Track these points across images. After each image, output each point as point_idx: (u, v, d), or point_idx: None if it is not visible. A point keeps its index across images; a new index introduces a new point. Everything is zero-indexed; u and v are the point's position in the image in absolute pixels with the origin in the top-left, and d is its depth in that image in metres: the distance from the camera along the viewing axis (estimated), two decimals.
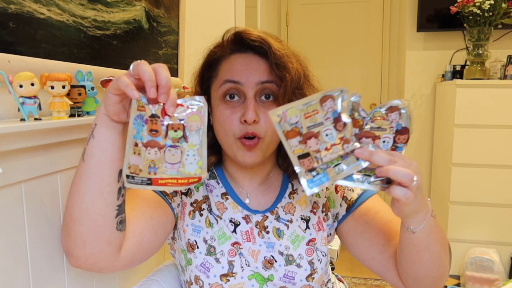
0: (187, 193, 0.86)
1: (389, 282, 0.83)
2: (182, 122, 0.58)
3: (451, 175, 2.23)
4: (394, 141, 0.63)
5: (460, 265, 2.27)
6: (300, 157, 0.61)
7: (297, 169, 0.61)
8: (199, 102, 0.59)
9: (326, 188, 0.89)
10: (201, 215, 0.85)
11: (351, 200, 0.87)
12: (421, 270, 0.74)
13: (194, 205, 0.85)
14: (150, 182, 0.57)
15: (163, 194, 0.81)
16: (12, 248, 0.63)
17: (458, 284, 2.23)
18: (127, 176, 0.57)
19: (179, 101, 0.59)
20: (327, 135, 0.61)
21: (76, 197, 0.62)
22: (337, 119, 0.61)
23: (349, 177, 0.61)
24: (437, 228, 0.70)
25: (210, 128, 0.84)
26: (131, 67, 0.57)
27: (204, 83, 0.84)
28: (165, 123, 0.58)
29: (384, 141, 0.62)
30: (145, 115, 0.57)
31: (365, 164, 0.61)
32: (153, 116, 0.57)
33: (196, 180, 0.58)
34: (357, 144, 0.61)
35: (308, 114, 0.60)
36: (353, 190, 0.88)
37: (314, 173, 0.61)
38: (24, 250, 0.66)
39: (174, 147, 0.58)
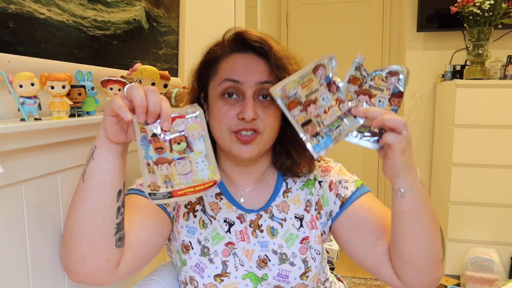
0: None
1: (383, 279, 0.82)
2: (183, 133, 0.60)
3: (451, 175, 2.23)
4: (389, 103, 0.67)
5: (460, 265, 2.27)
6: (304, 124, 0.65)
7: (302, 136, 0.65)
8: (195, 110, 0.61)
9: (320, 186, 0.88)
10: (195, 216, 0.85)
11: (345, 197, 0.86)
12: (414, 249, 0.73)
13: (188, 206, 0.86)
14: (171, 195, 0.60)
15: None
16: (12, 248, 0.63)
17: (458, 284, 2.23)
18: (150, 194, 0.60)
19: (174, 114, 0.60)
20: (323, 99, 0.66)
21: (75, 216, 0.64)
22: (329, 83, 0.67)
23: (347, 136, 0.67)
24: (426, 196, 0.72)
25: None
26: (125, 89, 0.59)
27: (202, 80, 0.85)
28: (167, 138, 0.60)
29: (379, 101, 0.67)
30: (147, 136, 0.60)
31: (362, 121, 0.66)
32: (154, 135, 0.59)
33: (212, 184, 0.61)
34: (352, 103, 0.67)
35: (304, 84, 0.65)
36: (347, 188, 0.87)
37: (318, 137, 0.66)
38: (24, 250, 0.66)
39: (182, 159, 0.60)
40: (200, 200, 0.86)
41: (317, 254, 0.86)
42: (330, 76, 0.67)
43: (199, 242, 0.83)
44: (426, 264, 0.74)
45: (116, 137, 0.61)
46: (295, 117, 0.65)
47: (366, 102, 0.67)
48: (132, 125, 0.61)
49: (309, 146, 0.65)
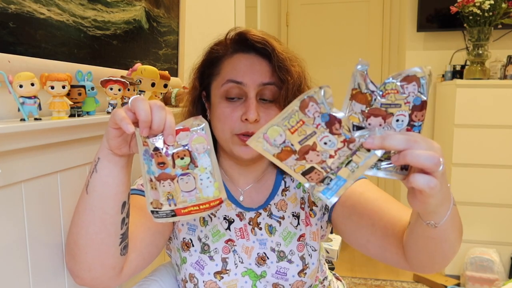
0: None
1: (390, 263, 0.77)
2: (187, 147, 0.57)
3: (451, 175, 2.23)
4: (410, 119, 0.51)
5: (460, 265, 2.27)
6: (305, 173, 0.53)
7: (306, 185, 0.53)
8: (200, 122, 0.58)
9: None
10: None
11: None
12: (436, 258, 0.68)
13: None
14: (174, 213, 0.57)
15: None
16: (12, 248, 0.63)
17: (458, 284, 2.23)
18: (152, 212, 0.57)
19: (178, 127, 0.57)
20: (325, 143, 0.52)
21: (80, 226, 0.64)
22: (329, 122, 0.51)
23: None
24: (457, 217, 0.62)
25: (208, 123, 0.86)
26: (129, 101, 0.57)
27: (205, 79, 0.85)
28: (170, 152, 0.56)
29: (398, 120, 0.52)
30: (149, 150, 0.56)
31: (380, 153, 0.51)
32: (156, 149, 0.56)
33: (218, 203, 0.57)
34: (364, 139, 0.51)
35: (293, 128, 0.51)
36: None
37: (327, 181, 0.53)
38: (24, 250, 0.66)
39: (186, 175, 0.56)
40: None
41: (313, 250, 0.86)
42: (328, 112, 0.51)
43: (200, 239, 0.83)
44: (443, 261, 0.69)
45: (119, 149, 0.60)
46: (292, 167, 0.53)
47: (380, 125, 0.52)
48: (135, 138, 0.58)
49: (318, 194, 0.53)
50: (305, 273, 0.84)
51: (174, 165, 0.56)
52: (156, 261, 1.11)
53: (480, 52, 2.23)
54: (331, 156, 0.52)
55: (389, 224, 0.75)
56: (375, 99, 0.51)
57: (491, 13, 2.13)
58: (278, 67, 0.76)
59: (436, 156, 0.48)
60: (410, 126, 0.52)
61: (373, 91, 0.52)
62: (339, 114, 0.52)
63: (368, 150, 0.51)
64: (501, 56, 2.29)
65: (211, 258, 0.82)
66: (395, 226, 0.74)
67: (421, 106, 0.51)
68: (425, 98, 0.51)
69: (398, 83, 0.51)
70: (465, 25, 2.26)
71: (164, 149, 0.56)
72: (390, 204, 0.79)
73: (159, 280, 0.92)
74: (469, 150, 2.20)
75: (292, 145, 0.52)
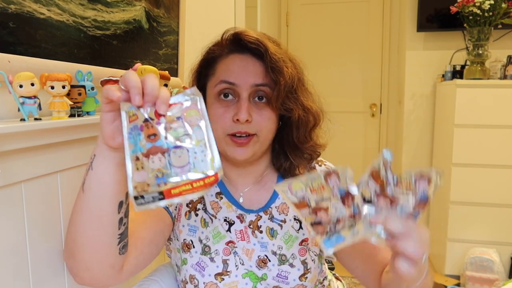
0: None
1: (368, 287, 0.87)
2: (180, 119, 0.52)
3: (451, 175, 2.23)
4: (413, 207, 0.58)
5: (460, 265, 2.27)
6: (313, 223, 0.59)
7: (312, 233, 0.59)
8: (191, 94, 0.54)
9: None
10: (196, 215, 0.85)
11: None
12: None
13: (190, 205, 0.86)
14: (162, 196, 0.50)
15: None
16: (12, 248, 0.63)
17: (458, 284, 2.23)
18: (136, 198, 0.50)
19: (171, 101, 0.54)
20: (336, 209, 0.59)
21: (78, 225, 0.63)
22: (344, 196, 0.59)
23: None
24: (430, 281, 0.68)
25: None
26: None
27: (201, 80, 0.86)
28: (162, 124, 0.52)
29: (402, 207, 0.59)
30: (138, 123, 0.52)
31: (383, 235, 0.58)
32: (146, 120, 0.51)
33: (213, 179, 0.51)
34: (369, 216, 0.59)
35: (313, 189, 0.59)
36: None
37: (329, 234, 0.59)
38: (24, 250, 0.66)
39: (179, 148, 0.51)
40: (201, 199, 0.87)
41: (315, 255, 0.87)
42: (345, 189, 0.59)
43: (200, 240, 0.83)
44: None
45: (113, 139, 0.57)
46: (304, 216, 0.60)
47: (386, 206, 0.60)
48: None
49: (319, 241, 0.58)
50: (306, 277, 0.84)
51: (166, 137, 0.51)
52: (156, 261, 1.11)
53: (480, 52, 2.23)
54: (338, 221, 0.58)
55: (379, 263, 0.82)
56: (388, 185, 0.59)
57: (491, 13, 2.13)
58: (270, 68, 0.76)
59: (421, 251, 0.56)
60: (411, 212, 0.59)
61: (388, 181, 0.59)
62: (354, 191, 0.59)
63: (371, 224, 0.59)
64: (501, 56, 2.29)
65: (212, 259, 0.82)
66: (384, 266, 0.81)
67: (424, 203, 0.58)
68: (431, 197, 0.58)
69: (413, 179, 0.58)
70: (465, 25, 2.26)
71: (156, 120, 0.51)
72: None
73: (159, 280, 0.92)
74: (469, 150, 2.20)
75: (309, 200, 0.59)
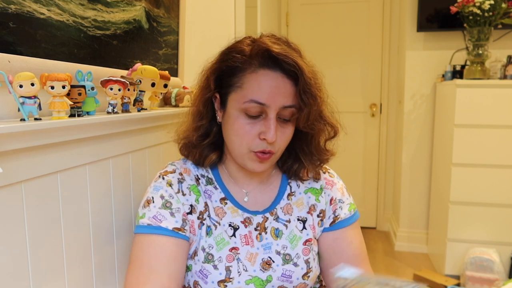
0: (191, 211, 0.84)
1: None
2: None
3: (451, 175, 2.23)
4: None
5: (460, 265, 2.27)
6: None
7: None
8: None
9: (325, 196, 0.92)
10: (202, 224, 0.85)
11: (338, 217, 0.91)
12: None
13: (200, 216, 0.85)
14: None
15: (177, 232, 0.80)
16: (12, 248, 0.63)
17: (458, 284, 2.23)
18: None
19: None
20: None
21: None
22: None
23: None
24: None
25: (216, 124, 0.86)
26: None
27: (223, 86, 0.82)
28: None
29: None
30: None
31: None
32: None
33: None
34: None
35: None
36: (341, 208, 0.91)
37: None
38: (24, 250, 0.66)
39: None
40: (206, 206, 0.86)
41: (316, 255, 0.89)
42: None
43: (203, 249, 0.83)
44: None
45: None
46: None
47: None
48: None
49: None
50: (309, 276, 0.85)
51: None
52: None
53: (480, 52, 2.23)
54: None
55: None
56: None
57: (491, 13, 2.13)
58: (303, 91, 0.76)
59: None
60: None
61: None
62: None
63: None
64: (501, 56, 2.29)
65: (215, 267, 0.82)
66: None
67: None
68: None
69: None
70: (465, 25, 2.26)
71: None
72: (361, 264, 0.90)
73: None
74: (469, 150, 2.20)
75: None
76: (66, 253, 0.76)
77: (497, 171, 2.18)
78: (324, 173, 0.95)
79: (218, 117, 0.85)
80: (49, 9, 0.76)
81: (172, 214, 0.81)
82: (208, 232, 0.84)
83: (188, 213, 0.83)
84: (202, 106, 0.84)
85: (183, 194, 0.84)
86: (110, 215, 0.90)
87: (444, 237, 2.32)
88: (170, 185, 0.84)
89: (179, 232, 0.81)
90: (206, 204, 0.86)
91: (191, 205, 0.84)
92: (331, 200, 0.92)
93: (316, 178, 0.92)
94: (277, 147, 0.80)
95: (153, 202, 0.82)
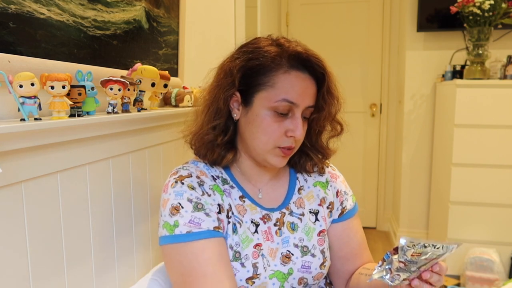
0: (220, 211, 0.83)
1: (333, 282, 0.99)
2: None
3: (451, 175, 2.23)
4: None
5: (460, 265, 2.27)
6: (397, 270, 0.72)
7: (382, 270, 0.74)
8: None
9: (331, 189, 0.97)
10: (228, 222, 0.84)
11: (345, 209, 0.97)
12: None
13: (227, 215, 0.85)
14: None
15: (217, 231, 0.80)
16: (12, 248, 0.63)
17: (458, 284, 2.23)
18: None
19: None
20: (406, 271, 0.71)
21: None
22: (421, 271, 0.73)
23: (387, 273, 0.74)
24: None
25: (232, 122, 0.86)
26: None
27: (251, 85, 0.82)
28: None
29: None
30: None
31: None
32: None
33: None
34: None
35: (415, 253, 0.69)
36: (347, 200, 0.98)
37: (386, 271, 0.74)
38: (24, 250, 0.66)
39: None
40: (229, 205, 0.86)
41: (328, 245, 0.94)
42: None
43: (231, 247, 0.83)
44: None
45: None
46: (394, 260, 0.72)
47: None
48: None
49: (378, 273, 0.74)
50: (325, 265, 0.90)
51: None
52: (156, 260, 1.11)
53: (480, 52, 2.23)
54: (398, 275, 0.73)
55: (355, 268, 0.95)
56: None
57: (491, 13, 2.13)
58: (327, 92, 0.84)
59: (442, 281, 0.73)
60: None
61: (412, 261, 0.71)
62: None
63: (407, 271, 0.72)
64: (501, 56, 2.29)
65: (242, 265, 0.82)
66: (355, 269, 0.95)
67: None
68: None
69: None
70: (465, 25, 2.26)
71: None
72: (364, 251, 0.98)
73: (159, 280, 0.92)
74: (469, 150, 2.20)
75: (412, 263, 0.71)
76: (66, 253, 0.76)
77: (497, 171, 2.18)
78: (327, 167, 1.00)
79: (236, 115, 0.85)
80: (49, 9, 0.76)
81: (207, 215, 0.80)
82: (234, 230, 0.84)
83: (217, 213, 0.82)
84: (222, 103, 0.83)
85: (208, 195, 0.83)
86: (110, 215, 0.90)
87: (444, 237, 2.32)
88: (193, 188, 0.82)
89: (219, 230, 0.80)
90: (229, 203, 0.86)
91: (218, 205, 0.83)
92: (337, 192, 0.97)
93: (321, 172, 0.98)
94: (299, 143, 0.86)
95: (182, 207, 0.79)
